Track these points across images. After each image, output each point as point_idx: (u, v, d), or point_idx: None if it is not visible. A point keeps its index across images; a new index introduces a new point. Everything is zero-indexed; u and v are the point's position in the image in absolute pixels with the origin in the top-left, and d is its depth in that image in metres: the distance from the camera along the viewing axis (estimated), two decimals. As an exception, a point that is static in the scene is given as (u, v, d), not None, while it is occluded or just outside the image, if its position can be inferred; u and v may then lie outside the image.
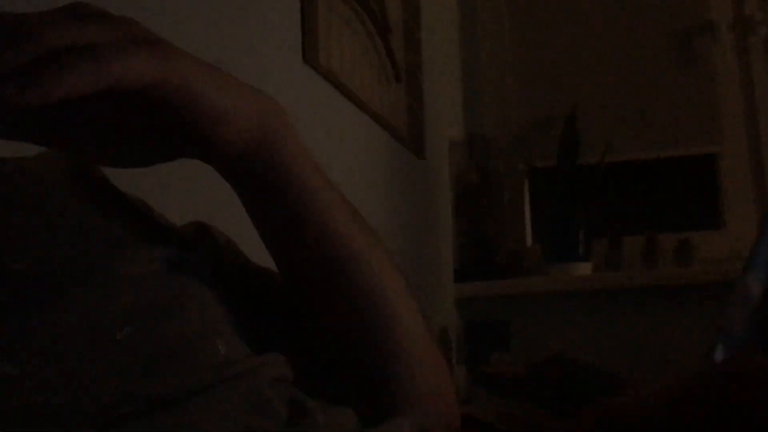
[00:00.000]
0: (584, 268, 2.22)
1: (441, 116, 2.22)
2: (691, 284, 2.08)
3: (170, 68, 0.34)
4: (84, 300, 0.34)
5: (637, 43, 2.38)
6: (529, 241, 2.42)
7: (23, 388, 0.30)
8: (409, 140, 1.90)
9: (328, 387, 0.48)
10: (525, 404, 1.71)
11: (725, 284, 1.37)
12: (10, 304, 0.33)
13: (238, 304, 0.44)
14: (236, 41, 1.11)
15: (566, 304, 2.21)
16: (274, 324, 0.49)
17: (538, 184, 2.41)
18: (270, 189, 0.44)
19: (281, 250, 0.47)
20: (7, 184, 0.39)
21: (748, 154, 2.28)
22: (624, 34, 2.39)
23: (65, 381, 0.31)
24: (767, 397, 0.36)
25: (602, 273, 2.22)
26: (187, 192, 0.82)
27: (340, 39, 1.43)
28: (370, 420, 0.44)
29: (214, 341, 0.38)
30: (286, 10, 1.27)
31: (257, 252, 0.50)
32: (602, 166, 2.24)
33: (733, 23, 2.30)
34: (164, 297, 0.37)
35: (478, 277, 2.25)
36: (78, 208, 0.40)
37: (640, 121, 2.37)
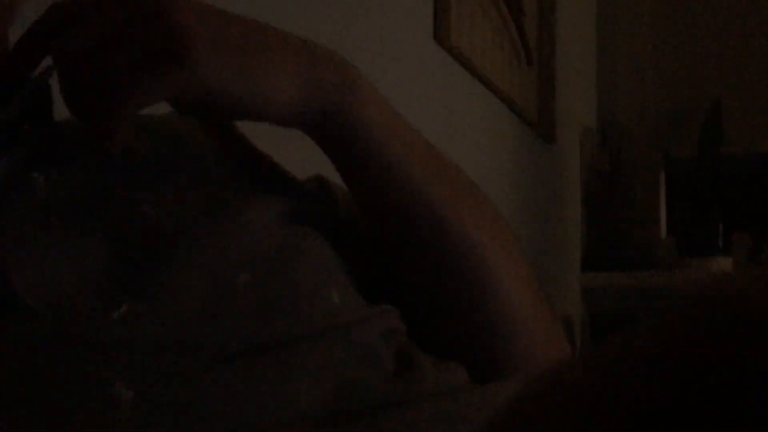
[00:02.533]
0: (724, 263, 2.11)
1: (573, 102, 2.17)
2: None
3: (185, 80, 0.35)
4: (208, 245, 0.36)
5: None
6: (663, 233, 2.32)
7: (146, 321, 0.32)
8: (539, 125, 1.87)
9: (436, 343, 0.48)
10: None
11: None
12: (143, 247, 0.35)
13: (353, 257, 0.45)
14: (368, 20, 1.14)
15: (700, 301, 2.10)
16: (386, 278, 0.49)
17: (675, 175, 2.30)
18: (346, 152, 0.43)
19: (371, 215, 0.46)
20: (149, 136, 0.43)
21: None
22: (777, 17, 2.24)
23: (185, 319, 0.33)
24: None
25: (744, 269, 2.10)
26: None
27: (473, 20, 1.43)
28: (480, 378, 0.44)
29: (329, 290, 0.39)
30: (420, -10, 1.28)
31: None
32: (745, 158, 2.11)
33: None
34: (283, 245, 0.38)
35: (606, 267, 2.18)
36: (208, 159, 0.43)
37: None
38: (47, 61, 0.38)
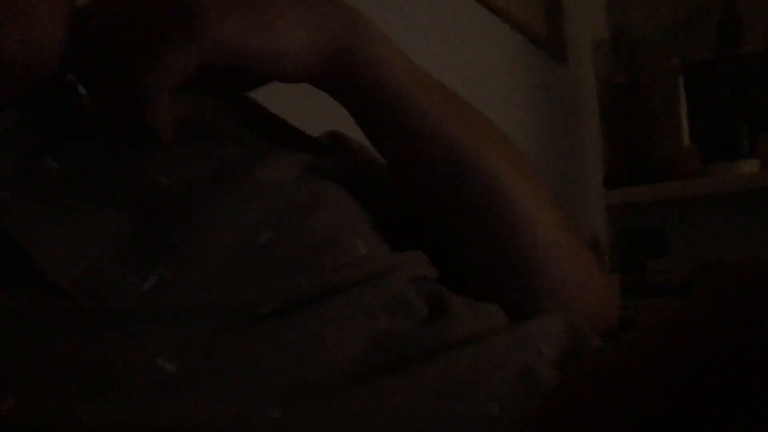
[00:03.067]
0: (750, 166, 2.06)
1: (583, 15, 2.10)
2: None
3: (209, 49, 0.35)
4: (226, 206, 0.35)
5: None
6: (685, 141, 2.27)
7: (177, 289, 0.32)
8: (549, 44, 1.81)
9: (466, 284, 0.47)
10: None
11: None
12: (161, 215, 0.34)
13: (375, 206, 0.45)
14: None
15: (729, 206, 2.07)
16: (410, 225, 0.49)
17: (694, 80, 2.23)
18: (359, 100, 0.43)
19: (390, 157, 0.46)
20: None
21: None
22: None
23: (214, 281, 0.33)
24: None
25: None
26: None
27: (469, -58, 1.36)
28: (514, 314, 0.43)
29: (354, 240, 0.38)
30: None
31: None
32: (766, 54, 2.04)
33: None
34: (302, 200, 0.38)
35: (629, 182, 2.14)
36: (219, 122, 0.42)
37: (812, -1, 2.12)
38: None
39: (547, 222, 0.47)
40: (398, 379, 0.31)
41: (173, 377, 0.29)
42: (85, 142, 0.38)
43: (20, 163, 0.35)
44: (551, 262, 0.47)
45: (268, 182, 0.38)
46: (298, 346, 0.32)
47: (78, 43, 0.36)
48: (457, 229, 0.47)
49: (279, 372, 0.31)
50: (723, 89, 2.13)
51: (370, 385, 0.31)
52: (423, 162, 0.45)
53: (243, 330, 0.31)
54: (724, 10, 2.10)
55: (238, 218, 0.35)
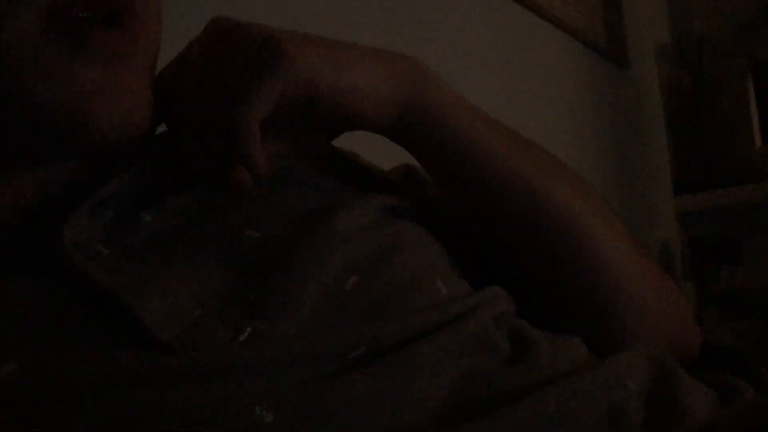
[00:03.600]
0: (827, 167, 1.98)
1: (644, 19, 2.06)
2: None
3: (289, 82, 0.36)
4: (312, 257, 0.36)
5: None
6: (757, 142, 2.19)
7: (271, 340, 0.33)
8: (610, 51, 1.78)
9: (546, 318, 0.47)
10: (764, 323, 1.58)
11: None
12: (252, 269, 0.36)
13: (451, 241, 0.45)
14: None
15: (806, 210, 1.99)
16: (484, 258, 0.49)
17: (764, 80, 2.16)
18: (429, 145, 0.44)
19: (461, 199, 0.47)
20: None
21: None
22: None
23: (305, 331, 0.34)
24: None
25: None
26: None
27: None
28: (597, 347, 0.43)
29: (435, 281, 0.39)
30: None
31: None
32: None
33: None
34: (383, 244, 0.39)
35: (700, 187, 2.08)
36: (301, 171, 0.44)
37: None
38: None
39: (624, 254, 0.47)
40: (488, 421, 0.32)
41: (271, 426, 0.30)
42: (175, 198, 0.39)
43: (117, 219, 0.37)
44: (633, 295, 0.46)
45: (349, 229, 0.38)
46: (387, 391, 0.32)
47: (172, 99, 0.39)
48: (534, 265, 0.47)
49: (370, 417, 0.31)
50: (796, 88, 2.05)
51: (460, 428, 0.31)
52: (496, 200, 0.45)
53: (334, 377, 0.32)
54: (793, 6, 2.04)
55: (324, 268, 0.36)
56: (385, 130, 0.43)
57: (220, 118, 0.36)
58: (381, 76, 0.40)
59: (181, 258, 0.36)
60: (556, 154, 1.50)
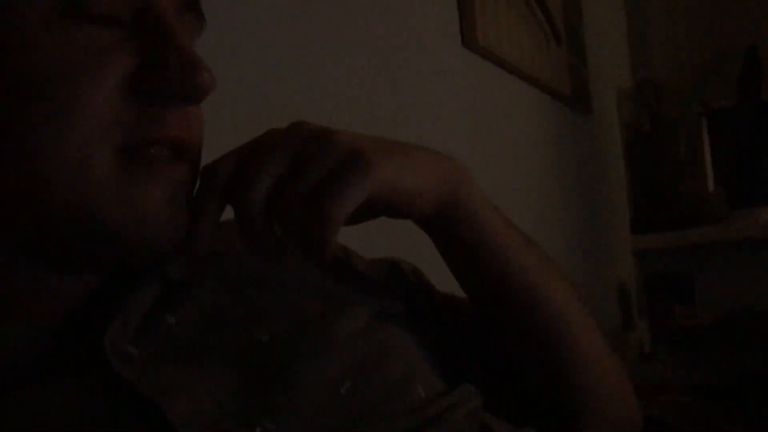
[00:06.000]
0: (774, 212, 2.09)
1: (607, 67, 2.15)
2: None
3: (374, 186, 0.42)
4: (311, 363, 0.42)
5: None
6: (710, 186, 2.31)
7: None
8: (574, 98, 1.87)
9: (514, 403, 0.53)
10: (711, 363, 1.67)
11: None
12: (262, 372, 0.41)
13: (430, 335, 0.51)
14: (396, 31, 1.16)
15: (755, 252, 2.10)
16: (461, 348, 0.55)
17: (717, 126, 2.28)
18: (458, 240, 0.50)
19: (474, 292, 0.54)
20: (244, 259, 0.48)
21: None
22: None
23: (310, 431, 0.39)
24: None
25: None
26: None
27: (496, 13, 1.43)
28: None
29: (415, 385, 0.45)
30: (442, -6, 1.29)
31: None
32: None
33: None
34: (373, 350, 0.44)
35: (656, 227, 2.18)
36: (299, 276, 0.49)
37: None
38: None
39: (597, 350, 0.54)
40: None
41: None
42: (190, 301, 0.44)
43: (144, 320, 0.42)
44: (599, 389, 0.54)
45: (345, 336, 0.44)
46: None
47: (237, 187, 0.42)
48: (518, 352, 0.53)
49: None
50: (746, 135, 2.17)
51: None
52: (503, 297, 0.51)
53: None
54: (745, 58, 2.15)
55: (323, 373, 0.41)
56: (424, 221, 0.49)
57: (318, 209, 0.41)
58: (434, 177, 0.47)
59: (203, 361, 0.41)
60: (523, 195, 1.57)
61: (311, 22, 0.94)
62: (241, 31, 0.81)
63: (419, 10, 1.23)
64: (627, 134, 2.27)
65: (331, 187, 0.41)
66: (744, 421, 0.60)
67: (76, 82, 0.37)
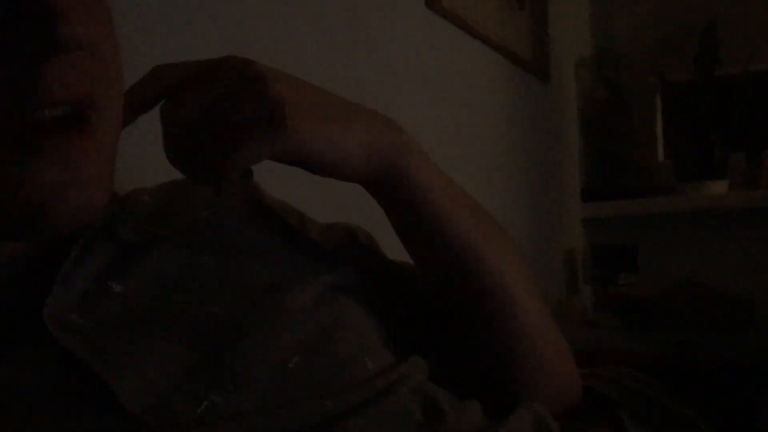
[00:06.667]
0: (719, 186, 2.14)
1: (568, 36, 2.16)
2: (837, 204, 1.97)
3: (284, 146, 0.42)
4: (262, 336, 0.41)
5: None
6: (660, 158, 2.35)
7: (228, 414, 0.38)
8: (533, 65, 1.87)
9: (458, 375, 0.54)
10: (651, 331, 1.72)
11: None
12: (211, 345, 0.40)
13: (381, 306, 0.51)
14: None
15: (699, 225, 2.15)
16: (411, 317, 0.55)
17: (672, 99, 2.31)
18: (401, 206, 0.50)
19: (417, 256, 0.54)
20: (200, 221, 0.47)
21: None
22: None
23: (255, 406, 0.39)
24: None
25: (739, 191, 2.13)
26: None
27: (462, -25, 1.42)
28: (494, 411, 0.50)
29: (364, 360, 0.45)
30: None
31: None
32: (742, 77, 2.11)
33: None
34: (323, 324, 0.44)
35: (606, 196, 2.22)
36: (254, 244, 0.48)
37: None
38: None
39: (538, 319, 0.54)
40: None
41: None
42: (140, 267, 0.43)
43: (88, 288, 0.41)
44: (541, 357, 0.55)
45: (296, 309, 0.44)
46: None
47: (168, 104, 0.42)
48: (463, 320, 0.54)
49: None
50: (699, 109, 2.20)
51: None
52: (447, 263, 0.51)
53: None
54: (703, 33, 2.18)
55: (272, 347, 0.41)
56: (360, 183, 0.49)
57: (221, 149, 0.41)
58: (365, 143, 0.46)
59: (153, 331, 0.40)
60: (478, 159, 1.58)
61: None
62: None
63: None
64: (583, 103, 2.28)
65: (238, 136, 0.41)
66: (676, 391, 0.62)
67: None
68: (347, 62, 1.11)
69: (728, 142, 2.17)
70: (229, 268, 0.45)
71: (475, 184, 1.41)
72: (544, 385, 0.55)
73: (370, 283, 0.52)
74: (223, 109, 0.41)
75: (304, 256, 0.49)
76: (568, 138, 2.22)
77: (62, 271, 0.40)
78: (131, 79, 0.42)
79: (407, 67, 1.28)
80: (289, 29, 0.97)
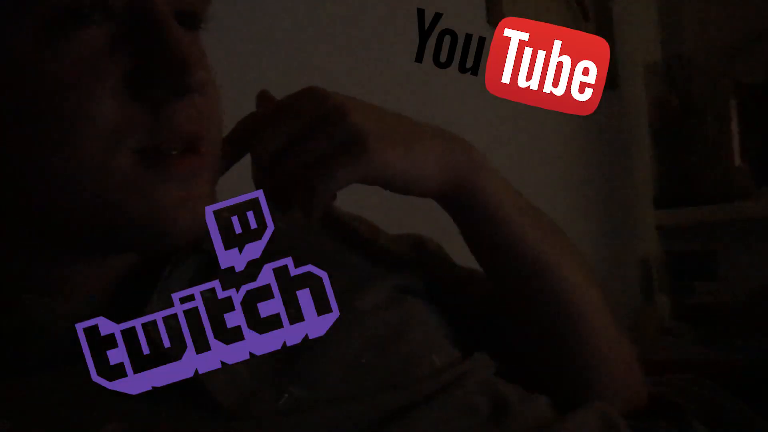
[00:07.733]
0: (801, 189, 2.07)
1: (635, 42, 2.14)
2: None
3: (367, 172, 0.46)
4: (337, 335, 0.44)
5: None
6: (737, 161, 2.29)
7: (309, 407, 0.42)
8: (601, 74, 1.86)
9: (527, 373, 0.57)
10: (731, 341, 1.68)
11: None
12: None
13: (449, 309, 0.54)
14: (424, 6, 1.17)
15: (780, 230, 2.09)
16: (478, 321, 0.58)
17: (747, 102, 2.25)
18: (471, 219, 0.54)
19: (487, 266, 0.57)
20: (278, 231, 0.52)
21: None
22: None
23: (331, 398, 0.43)
24: None
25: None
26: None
27: (524, -10, 1.43)
28: (561, 406, 0.52)
29: (431, 356, 0.48)
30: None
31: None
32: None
33: None
34: (392, 324, 0.48)
35: (680, 203, 2.18)
36: (330, 252, 0.53)
37: None
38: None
39: (606, 328, 0.57)
40: None
41: None
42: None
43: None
44: (609, 365, 0.57)
45: (368, 309, 0.48)
46: None
47: (257, 140, 0.47)
48: (533, 327, 0.57)
49: None
50: (776, 111, 2.15)
51: None
52: (516, 275, 0.54)
53: None
54: (778, 33, 2.12)
55: (345, 345, 0.45)
56: (433, 199, 0.52)
57: (308, 177, 0.45)
58: (437, 164, 0.49)
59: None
60: (547, 169, 1.58)
61: None
62: None
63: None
64: (654, 110, 2.25)
65: (324, 166, 0.45)
66: (749, 401, 0.63)
67: (74, 95, 0.38)
68: (419, 82, 1.14)
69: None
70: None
71: (545, 194, 1.42)
72: (613, 393, 0.57)
73: (437, 286, 0.55)
74: (307, 140, 0.45)
75: (374, 261, 0.53)
76: (639, 144, 2.20)
77: (161, 280, 0.45)
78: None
79: (474, 80, 1.31)
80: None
